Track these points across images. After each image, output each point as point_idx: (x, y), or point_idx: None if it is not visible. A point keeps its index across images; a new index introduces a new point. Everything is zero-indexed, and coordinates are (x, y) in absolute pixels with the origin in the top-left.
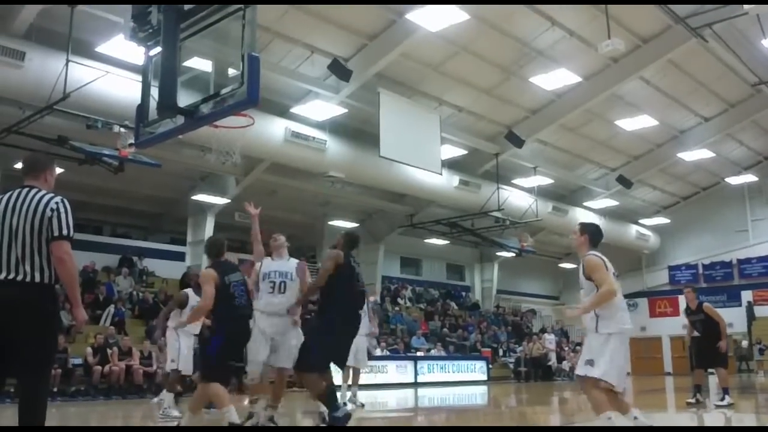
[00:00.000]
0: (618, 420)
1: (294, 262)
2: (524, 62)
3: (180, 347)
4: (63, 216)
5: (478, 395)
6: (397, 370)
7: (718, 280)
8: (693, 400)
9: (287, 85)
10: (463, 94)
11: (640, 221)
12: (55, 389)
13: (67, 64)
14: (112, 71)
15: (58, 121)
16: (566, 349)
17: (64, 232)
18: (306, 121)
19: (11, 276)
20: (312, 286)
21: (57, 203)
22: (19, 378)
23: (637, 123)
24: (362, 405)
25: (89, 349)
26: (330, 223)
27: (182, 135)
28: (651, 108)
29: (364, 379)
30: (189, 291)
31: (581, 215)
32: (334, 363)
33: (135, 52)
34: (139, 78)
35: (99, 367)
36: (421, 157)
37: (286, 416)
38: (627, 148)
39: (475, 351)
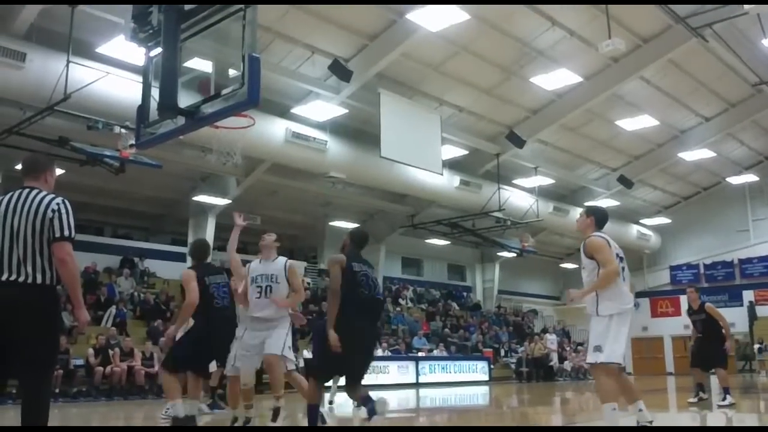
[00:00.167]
0: (621, 414)
1: (281, 262)
2: (525, 62)
3: None
4: (64, 217)
5: (479, 396)
6: (398, 371)
7: (719, 280)
8: (695, 400)
9: (288, 86)
10: (463, 94)
11: (641, 221)
12: (57, 390)
13: (67, 65)
14: (112, 72)
15: (58, 122)
16: (568, 349)
17: (66, 233)
18: (307, 121)
19: (13, 277)
20: (330, 297)
21: (58, 204)
22: (22, 379)
23: (637, 123)
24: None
25: (91, 350)
26: (331, 223)
27: (183, 136)
28: (651, 108)
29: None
30: None
31: None
32: (338, 375)
33: (136, 53)
34: (140, 79)
35: (101, 368)
36: (421, 157)
37: (288, 417)
38: (628, 148)
39: (477, 351)
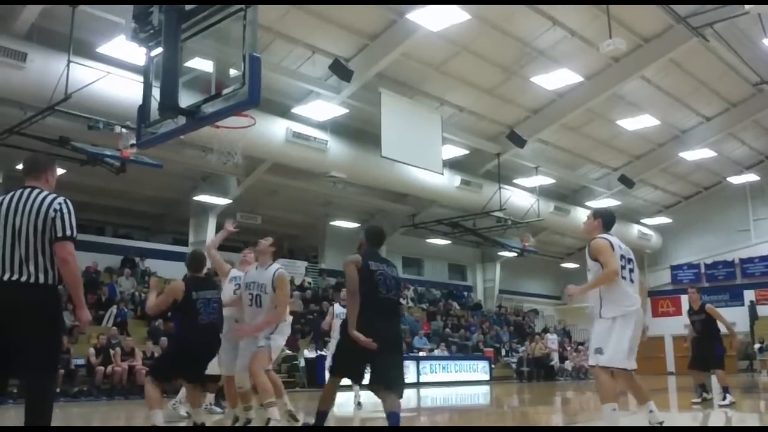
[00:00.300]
0: (621, 414)
1: (272, 270)
2: (525, 62)
3: None
4: (66, 216)
5: (480, 395)
6: None
7: (720, 279)
8: (699, 400)
9: (288, 86)
10: (464, 93)
11: (642, 221)
12: (58, 390)
13: (68, 65)
14: (113, 72)
15: (59, 122)
16: (569, 349)
17: (68, 232)
18: (307, 121)
19: (15, 277)
20: (349, 299)
21: (60, 204)
22: (25, 379)
23: (638, 122)
24: (359, 404)
25: (92, 350)
26: (332, 223)
27: (184, 135)
28: (652, 107)
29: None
30: None
31: (583, 215)
32: (345, 375)
33: (136, 53)
34: (141, 79)
35: (102, 368)
36: (422, 157)
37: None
38: (628, 147)
39: (478, 351)
